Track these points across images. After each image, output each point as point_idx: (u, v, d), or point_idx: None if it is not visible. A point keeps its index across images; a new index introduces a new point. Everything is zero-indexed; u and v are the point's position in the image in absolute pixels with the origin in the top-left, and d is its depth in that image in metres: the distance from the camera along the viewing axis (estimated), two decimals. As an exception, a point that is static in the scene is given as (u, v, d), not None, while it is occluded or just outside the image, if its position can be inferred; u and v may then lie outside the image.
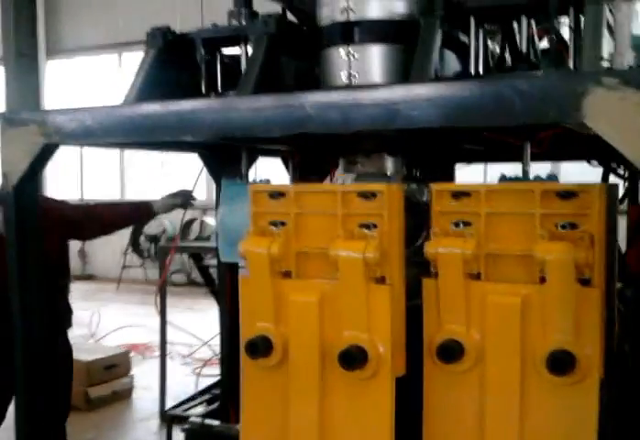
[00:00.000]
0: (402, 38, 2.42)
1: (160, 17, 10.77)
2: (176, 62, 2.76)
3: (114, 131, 2.21)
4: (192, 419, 3.02)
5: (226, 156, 3.41)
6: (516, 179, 2.30)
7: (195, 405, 4.51)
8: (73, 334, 7.45)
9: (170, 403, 4.89)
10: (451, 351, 2.04)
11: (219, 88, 2.83)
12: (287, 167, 3.29)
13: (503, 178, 2.33)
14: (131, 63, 11.66)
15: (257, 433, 2.20)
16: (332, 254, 2.04)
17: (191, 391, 4.95)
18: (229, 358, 3.42)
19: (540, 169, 2.45)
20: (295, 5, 2.90)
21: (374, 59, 2.41)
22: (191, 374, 5.79)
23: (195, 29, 2.79)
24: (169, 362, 6.01)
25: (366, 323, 2.03)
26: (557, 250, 1.92)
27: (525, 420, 1.99)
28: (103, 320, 8.03)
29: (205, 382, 5.26)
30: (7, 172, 2.41)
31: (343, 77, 2.42)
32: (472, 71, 2.32)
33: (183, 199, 3.66)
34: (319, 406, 2.08)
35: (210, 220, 10.32)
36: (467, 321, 2.06)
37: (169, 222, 10.44)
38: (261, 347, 2.11)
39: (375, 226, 2.08)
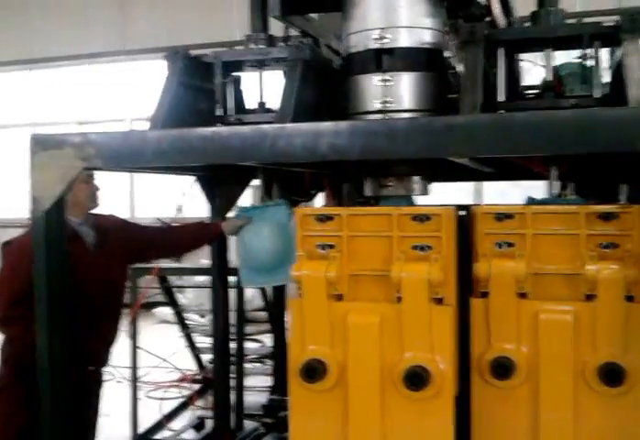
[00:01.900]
0: (431, 66, 2.53)
1: (72, 35, 10.59)
2: (194, 85, 2.76)
3: (167, 154, 2.18)
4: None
5: (220, 179, 3.43)
6: (544, 201, 2.44)
7: (171, 431, 4.46)
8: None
9: (129, 428, 4.75)
10: (504, 368, 2.13)
11: (233, 111, 2.86)
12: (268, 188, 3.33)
13: (531, 200, 2.47)
14: (42, 80, 11.30)
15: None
16: (394, 276, 2.10)
17: (150, 415, 4.84)
18: (223, 386, 3.42)
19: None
20: (310, 32, 2.96)
21: (407, 86, 2.50)
22: (143, 397, 5.64)
23: (214, 52, 2.80)
24: (118, 386, 5.86)
25: (429, 343, 2.09)
26: (609, 269, 2.06)
27: (579, 431, 2.10)
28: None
29: (154, 405, 5.18)
30: (39, 197, 2.32)
31: (377, 104, 2.49)
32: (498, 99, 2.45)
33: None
34: (380, 428, 2.11)
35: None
36: (517, 338, 2.16)
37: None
38: (319, 371, 2.12)
39: (430, 248, 2.16)
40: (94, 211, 3.23)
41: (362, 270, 2.20)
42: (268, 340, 6.29)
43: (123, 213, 10.67)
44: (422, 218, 2.16)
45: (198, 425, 4.28)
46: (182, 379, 5.87)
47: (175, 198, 10.65)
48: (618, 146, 1.74)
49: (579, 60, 2.69)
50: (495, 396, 2.17)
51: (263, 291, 4.89)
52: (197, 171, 3.26)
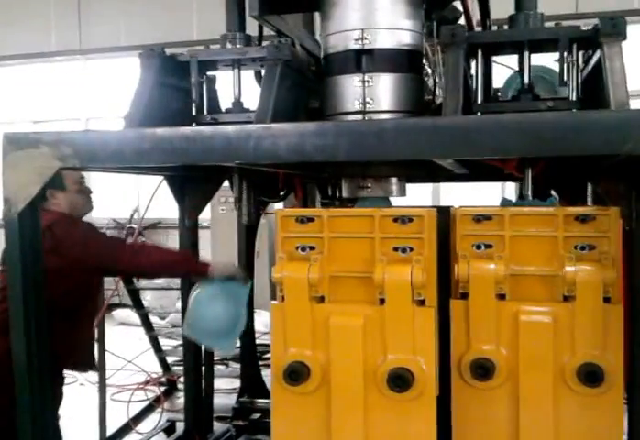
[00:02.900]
0: (410, 68, 2.54)
1: (28, 33, 10.36)
2: (170, 84, 2.72)
3: (149, 154, 2.14)
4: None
5: (191, 178, 3.39)
6: (517, 203, 2.48)
7: (139, 433, 4.39)
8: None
9: (95, 432, 4.67)
10: (484, 369, 2.15)
11: (206, 110, 2.83)
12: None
13: (505, 202, 2.50)
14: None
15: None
16: (377, 277, 2.10)
17: (116, 418, 4.76)
18: (194, 388, 3.38)
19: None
20: (285, 32, 2.94)
21: (386, 87, 2.50)
22: (108, 400, 5.54)
23: (190, 51, 2.76)
24: (81, 389, 5.76)
25: (411, 344, 2.10)
26: (587, 271, 2.09)
27: (558, 431, 2.13)
28: None
29: (119, 407, 5.09)
30: (11, 198, 2.25)
31: (356, 104, 2.49)
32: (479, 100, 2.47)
33: (239, 273, 3.26)
34: (363, 429, 2.11)
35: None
36: (496, 339, 2.18)
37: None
38: (302, 374, 2.12)
39: (411, 250, 2.16)
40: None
41: (344, 272, 2.20)
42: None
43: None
44: (403, 220, 2.17)
45: (168, 428, 4.23)
46: (147, 382, 5.79)
47: (132, 198, 10.54)
48: (605, 148, 1.77)
49: (541, 64, 2.75)
50: (475, 397, 2.19)
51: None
52: (168, 171, 3.21)
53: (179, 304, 7.73)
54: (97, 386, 5.62)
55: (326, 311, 2.17)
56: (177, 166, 2.95)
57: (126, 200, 10.21)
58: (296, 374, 2.12)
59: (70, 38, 10.26)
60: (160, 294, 6.63)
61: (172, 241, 9.34)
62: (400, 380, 2.05)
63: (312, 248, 2.23)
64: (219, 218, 7.46)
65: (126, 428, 4.43)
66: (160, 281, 6.07)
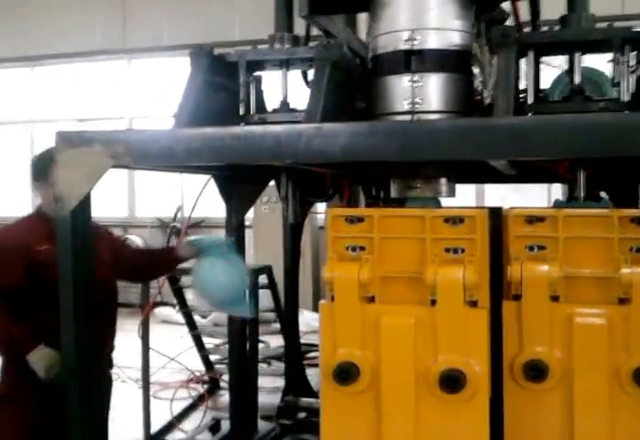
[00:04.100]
0: (459, 68, 2.52)
1: (73, 32, 10.53)
2: (217, 83, 2.74)
3: (201, 154, 2.16)
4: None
5: (238, 178, 3.41)
6: (570, 204, 2.44)
7: (183, 432, 4.44)
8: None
9: (139, 430, 4.73)
10: (537, 371, 2.12)
11: (254, 110, 2.84)
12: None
13: (558, 203, 2.46)
14: (43, 77, 11.22)
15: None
16: (429, 278, 2.09)
17: (158, 416, 4.81)
18: (239, 386, 3.40)
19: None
20: (333, 33, 2.94)
21: (435, 87, 2.48)
22: (151, 398, 5.60)
23: (238, 51, 2.78)
24: (123, 387, 5.83)
25: (464, 346, 2.08)
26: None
27: (613, 434, 2.10)
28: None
29: (162, 405, 5.15)
30: (64, 196, 2.29)
31: (405, 104, 2.47)
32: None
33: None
34: (414, 430, 2.11)
35: (134, 238, 10.07)
36: (550, 341, 2.15)
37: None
38: (352, 373, 2.11)
39: (462, 251, 2.15)
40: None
41: (394, 273, 2.19)
42: (272, 341, 6.29)
43: (122, 212, 10.71)
44: (455, 220, 2.15)
45: (213, 426, 4.26)
46: (190, 380, 5.83)
47: (176, 197, 10.65)
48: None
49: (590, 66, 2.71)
50: (528, 399, 2.17)
51: (274, 291, 4.87)
52: (215, 170, 3.24)
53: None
54: (140, 384, 5.70)
55: (377, 311, 2.17)
56: (225, 165, 2.98)
57: (171, 199, 10.30)
58: (346, 374, 2.12)
59: (113, 37, 10.38)
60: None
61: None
62: (452, 382, 2.04)
63: (362, 248, 2.23)
64: (262, 217, 7.51)
65: (170, 426, 4.47)
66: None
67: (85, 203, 2.30)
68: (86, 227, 2.36)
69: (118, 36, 10.41)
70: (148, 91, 10.46)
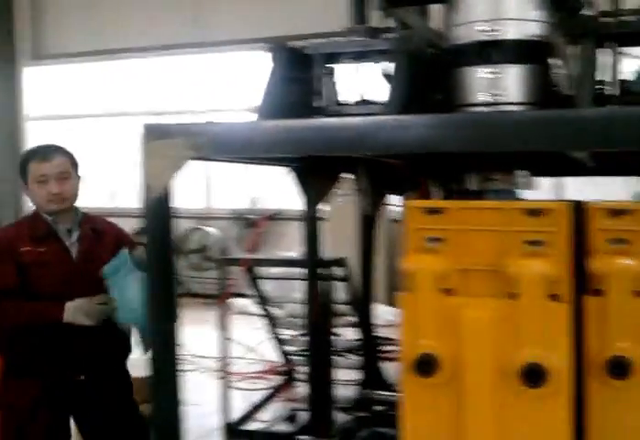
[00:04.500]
0: (538, 59, 2.48)
1: (147, 26, 10.77)
2: (295, 76, 2.78)
3: (281, 145, 2.19)
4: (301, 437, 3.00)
5: (313, 170, 3.44)
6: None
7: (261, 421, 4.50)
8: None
9: (217, 419, 4.83)
10: (622, 367, 2.07)
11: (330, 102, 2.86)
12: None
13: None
14: (116, 71, 11.51)
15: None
16: (511, 271, 2.06)
17: (236, 406, 4.91)
18: (317, 378, 3.43)
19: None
20: (409, 24, 2.93)
21: (514, 78, 2.45)
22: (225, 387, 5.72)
23: (314, 44, 2.81)
24: (200, 376, 5.96)
25: (545, 340, 2.05)
26: None
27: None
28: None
29: (240, 395, 5.24)
30: (149, 185, 2.37)
31: (484, 96, 2.45)
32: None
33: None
34: (495, 424, 2.09)
35: (211, 229, 10.26)
36: (634, 337, 2.09)
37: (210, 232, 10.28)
38: (432, 366, 2.11)
39: (543, 243, 2.11)
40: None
41: (473, 265, 2.17)
42: (347, 334, 6.31)
43: (199, 203, 10.92)
44: (536, 213, 2.12)
45: (291, 417, 4.32)
46: (267, 371, 5.93)
47: (251, 190, 10.79)
48: None
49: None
50: (612, 396, 2.11)
51: (349, 284, 4.88)
52: (293, 162, 3.28)
53: (297, 295, 7.88)
54: (217, 374, 5.83)
55: (456, 303, 2.15)
56: (302, 157, 3.01)
57: (246, 191, 10.45)
58: (426, 366, 2.12)
59: (188, 31, 10.57)
60: (277, 284, 6.75)
61: (291, 232, 9.54)
62: (533, 376, 2.02)
63: (440, 240, 2.21)
64: (337, 210, 7.50)
65: (248, 416, 4.55)
66: (278, 271, 6.19)
67: (168, 193, 2.38)
68: (168, 214, 2.43)
69: (193, 30, 10.58)
70: (223, 84, 10.63)
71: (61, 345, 3.10)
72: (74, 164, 3.22)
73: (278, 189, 9.55)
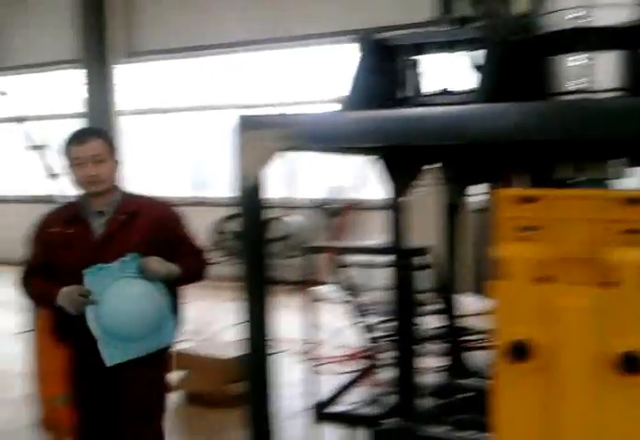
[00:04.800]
0: (633, 45, 2.43)
1: (234, 22, 10.93)
2: (380, 66, 2.81)
3: (369, 135, 2.23)
4: (386, 421, 3.05)
5: (399, 161, 3.46)
6: None
7: (345, 405, 4.57)
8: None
9: (301, 402, 4.93)
10: None
11: (416, 94, 2.88)
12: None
13: None
14: (208, 67, 11.74)
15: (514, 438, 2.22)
16: (610, 260, 2.05)
17: (320, 389, 5.00)
18: (402, 364, 3.48)
19: None
20: (496, 12, 2.92)
21: (608, 65, 2.41)
22: (310, 371, 5.81)
23: (401, 35, 2.83)
24: (285, 359, 6.06)
25: (643, 329, 2.03)
26: None
27: None
28: (201, 316, 8.14)
29: (324, 379, 5.32)
30: (243, 175, 2.46)
31: (577, 83, 2.42)
32: None
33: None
34: (589, 411, 2.08)
35: (293, 218, 10.38)
36: None
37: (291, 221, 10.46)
38: (526, 352, 2.12)
39: None
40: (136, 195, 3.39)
41: (567, 253, 2.17)
42: (428, 322, 6.31)
43: (282, 193, 11.06)
44: (633, 201, 2.10)
45: (375, 401, 4.38)
46: (349, 356, 6.00)
47: (332, 180, 10.85)
48: None
49: None
50: None
51: (431, 273, 4.87)
52: (378, 152, 3.31)
53: (379, 282, 7.91)
54: (301, 358, 5.94)
55: (551, 291, 2.15)
56: (389, 147, 3.05)
57: (327, 181, 10.53)
58: (520, 352, 2.13)
59: (275, 26, 10.67)
60: (360, 272, 6.79)
61: (370, 221, 9.58)
62: (631, 365, 2.00)
63: (533, 229, 2.22)
64: (419, 199, 7.49)
65: (332, 399, 4.63)
66: (361, 259, 6.24)
67: (260, 182, 2.46)
68: (261, 203, 2.51)
69: (269, 25, 10.67)
70: (309, 78, 10.73)
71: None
72: (110, 148, 3.23)
73: (358, 179, 9.62)
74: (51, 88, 13.21)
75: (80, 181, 3.18)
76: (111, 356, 2.95)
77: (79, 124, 11.50)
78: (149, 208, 3.28)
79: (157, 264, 3.04)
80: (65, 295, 3.04)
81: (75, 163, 3.15)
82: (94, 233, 3.17)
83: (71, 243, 3.15)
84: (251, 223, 2.49)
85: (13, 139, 12.56)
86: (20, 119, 12.58)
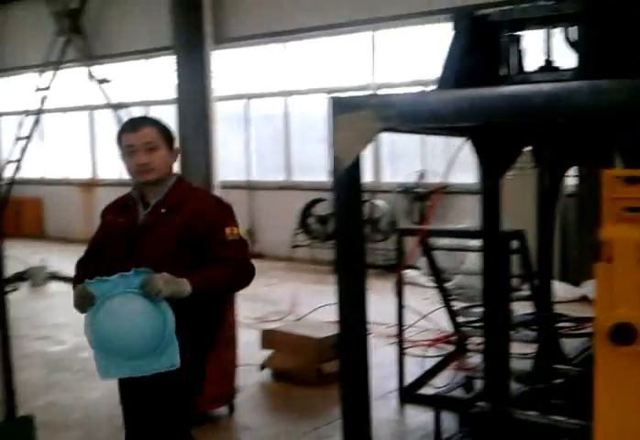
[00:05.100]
0: None
1: (325, 5, 10.91)
2: (478, 44, 2.75)
3: (469, 114, 2.20)
4: (481, 404, 3.03)
5: (495, 142, 3.40)
6: None
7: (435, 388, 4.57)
8: (266, 310, 7.76)
9: (392, 383, 4.95)
10: None
11: (517, 71, 2.81)
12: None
13: None
14: (297, 51, 11.79)
15: (616, 423, 2.16)
16: None
17: (409, 371, 5.01)
18: (493, 348, 3.44)
19: None
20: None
21: None
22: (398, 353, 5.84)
23: (500, 11, 2.77)
24: (374, 341, 6.09)
25: None
26: None
27: None
28: (288, 297, 8.28)
29: (412, 362, 5.33)
30: (340, 157, 2.45)
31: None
32: None
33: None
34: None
35: (380, 202, 10.37)
36: None
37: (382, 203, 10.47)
38: (629, 335, 2.06)
39: None
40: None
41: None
42: (519, 308, 6.22)
43: (367, 177, 11.05)
44: None
45: (465, 384, 4.36)
46: (438, 339, 5.97)
47: (418, 162, 10.75)
48: None
49: None
50: None
51: (526, 258, 4.79)
52: (473, 132, 3.26)
53: (465, 266, 7.84)
54: (389, 340, 5.96)
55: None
56: (485, 129, 2.99)
57: (414, 164, 10.45)
58: (623, 335, 2.06)
59: (359, 8, 10.61)
60: (448, 256, 6.75)
61: (458, 205, 9.46)
62: None
63: (639, 210, 2.15)
64: (512, 182, 7.34)
65: (421, 381, 4.64)
66: (449, 242, 6.20)
67: (357, 164, 2.45)
68: (359, 185, 2.50)
69: (362, 7, 10.60)
70: (393, 59, 10.63)
71: None
72: (165, 136, 3.07)
73: (448, 162, 9.48)
74: (150, 75, 13.59)
75: (131, 170, 3.04)
76: (105, 369, 2.81)
77: (174, 110, 11.83)
78: (191, 204, 3.04)
79: (160, 282, 2.73)
80: (75, 292, 2.91)
81: (127, 151, 3.02)
82: (138, 225, 3.05)
83: (118, 232, 3.07)
84: (347, 205, 2.47)
85: (115, 125, 13.00)
86: (121, 106, 13.03)
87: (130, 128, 3.05)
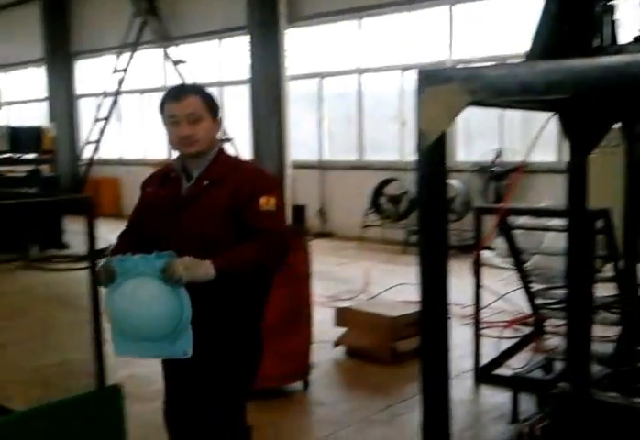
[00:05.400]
0: None
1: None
2: (570, 14, 2.66)
3: (562, 86, 2.12)
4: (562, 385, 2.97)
5: (584, 117, 3.29)
6: None
7: (511, 369, 4.51)
8: (339, 289, 7.79)
9: (468, 363, 4.91)
10: None
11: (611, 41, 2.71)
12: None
13: None
14: (371, 29, 11.69)
15: None
16: None
17: (485, 352, 4.97)
18: (575, 330, 3.36)
19: None
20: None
21: None
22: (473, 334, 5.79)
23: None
24: (451, 322, 6.06)
25: None
26: None
27: None
28: (360, 277, 8.29)
29: (488, 342, 5.27)
30: (425, 131, 2.41)
31: None
32: None
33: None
34: None
35: (454, 182, 10.23)
36: None
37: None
38: None
39: None
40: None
41: None
42: (600, 290, 6.06)
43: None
44: None
45: (545, 366, 4.29)
46: (516, 321, 5.89)
47: (495, 141, 10.55)
48: None
49: None
50: None
51: (611, 238, 4.65)
52: (564, 110, 3.16)
53: (543, 246, 7.68)
54: (464, 321, 5.91)
55: None
56: (574, 105, 2.90)
57: (490, 143, 10.26)
58: None
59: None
60: (523, 237, 6.61)
61: (537, 184, 9.25)
62: None
63: None
64: (596, 159, 7.09)
65: (497, 361, 4.58)
66: (530, 222, 6.07)
67: (442, 139, 2.40)
68: (443, 161, 2.45)
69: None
70: (471, 34, 10.43)
71: None
72: (209, 105, 2.93)
73: (521, 141, 9.29)
74: (224, 55, 13.71)
75: (173, 142, 2.93)
76: (119, 346, 2.79)
77: (247, 90, 11.91)
78: (233, 176, 2.91)
79: (181, 268, 2.61)
80: (101, 264, 2.84)
81: (169, 122, 2.90)
82: (180, 197, 2.94)
83: (159, 205, 2.97)
84: (431, 183, 2.43)
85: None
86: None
87: (174, 97, 2.93)
